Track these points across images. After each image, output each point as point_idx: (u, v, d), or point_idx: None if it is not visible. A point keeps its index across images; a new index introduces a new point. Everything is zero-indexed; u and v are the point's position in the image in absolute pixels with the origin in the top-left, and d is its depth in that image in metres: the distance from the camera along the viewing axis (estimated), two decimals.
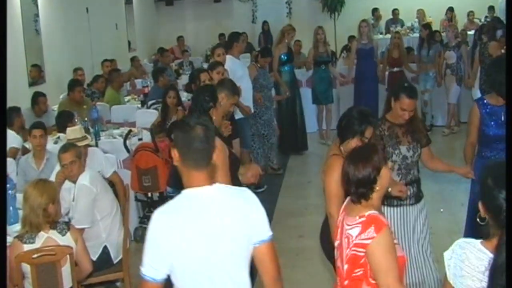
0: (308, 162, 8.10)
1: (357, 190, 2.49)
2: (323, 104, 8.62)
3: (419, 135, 3.73)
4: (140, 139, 5.99)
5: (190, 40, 14.84)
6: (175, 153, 2.15)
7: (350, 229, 2.47)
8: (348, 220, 2.51)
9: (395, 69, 8.81)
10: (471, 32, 10.88)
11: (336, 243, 2.60)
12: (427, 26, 9.35)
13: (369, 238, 2.38)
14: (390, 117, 3.69)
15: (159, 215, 2.10)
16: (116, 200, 4.34)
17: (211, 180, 2.14)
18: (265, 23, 14.10)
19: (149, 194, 5.56)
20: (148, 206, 5.59)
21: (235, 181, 3.32)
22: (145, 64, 12.18)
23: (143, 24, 13.87)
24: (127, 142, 5.85)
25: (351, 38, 10.77)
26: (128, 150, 5.76)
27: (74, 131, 4.74)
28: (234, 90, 4.14)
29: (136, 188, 5.49)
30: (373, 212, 2.46)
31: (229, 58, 6.40)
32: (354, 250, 2.43)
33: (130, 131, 6.09)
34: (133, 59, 11.14)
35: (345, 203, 2.66)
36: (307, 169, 7.76)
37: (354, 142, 3.10)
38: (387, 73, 8.88)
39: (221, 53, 6.21)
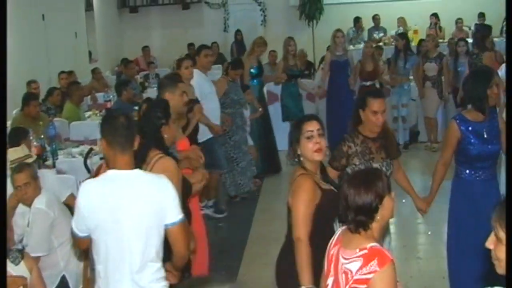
0: (283, 184, 8.09)
1: (356, 217, 2.43)
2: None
3: (391, 149, 3.78)
4: (102, 158, 5.91)
5: (156, 50, 14.85)
6: (102, 143, 2.78)
7: (349, 263, 2.40)
8: (346, 253, 2.44)
9: (368, 83, 8.85)
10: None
11: (330, 280, 2.51)
12: (403, 35, 9.47)
13: (371, 272, 2.32)
14: (362, 130, 3.70)
15: (85, 186, 2.83)
16: None
17: (133, 165, 2.78)
18: (238, 32, 14.20)
19: None
20: None
21: (185, 209, 3.29)
22: (107, 77, 12.12)
23: (105, 32, 13.84)
24: (88, 161, 5.81)
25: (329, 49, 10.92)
26: (88, 170, 5.71)
27: (16, 151, 4.63)
28: (177, 81, 4.31)
29: None
30: (375, 244, 2.40)
31: (196, 72, 6.37)
32: (354, 287, 2.36)
33: (91, 149, 6.05)
34: (94, 71, 11.09)
35: (338, 234, 2.59)
36: (282, 191, 7.68)
37: (304, 150, 3.10)
38: (357, 86, 8.93)
39: (188, 65, 6.07)
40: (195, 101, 5.81)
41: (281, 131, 8.94)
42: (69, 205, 4.60)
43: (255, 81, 8.00)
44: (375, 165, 3.62)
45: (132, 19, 15.20)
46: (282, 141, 8.82)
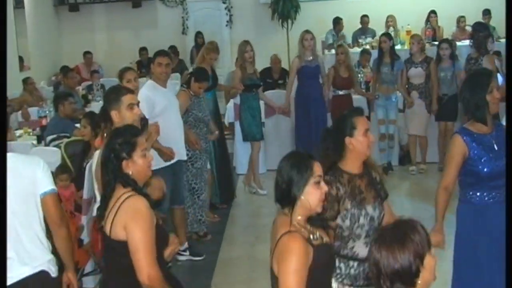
0: (243, 216, 8.14)
1: (393, 286, 2.31)
2: (257, 140, 8.59)
3: (379, 187, 3.71)
4: None
5: (101, 56, 14.76)
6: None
7: None
8: None
9: (342, 92, 8.97)
10: (462, 43, 11.23)
11: None
12: (388, 35, 9.56)
13: None
14: (344, 166, 3.60)
15: None
16: None
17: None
18: (198, 34, 14.19)
19: None
20: None
21: (162, 262, 3.33)
22: (42, 88, 11.95)
23: (39, 35, 13.66)
24: None
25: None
26: None
27: None
28: (120, 94, 4.26)
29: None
30: None
31: (148, 85, 6.25)
32: None
33: None
34: (25, 81, 10.93)
35: None
36: (235, 232, 7.65)
37: (309, 199, 2.97)
38: (330, 96, 9.06)
39: (131, 78, 5.86)
40: (143, 120, 5.65)
41: (242, 152, 9.15)
42: None
43: (208, 94, 7.79)
44: (368, 207, 3.58)
45: (72, 19, 15.05)
46: (241, 164, 9.17)
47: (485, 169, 3.98)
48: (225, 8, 15.10)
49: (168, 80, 6.55)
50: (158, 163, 5.90)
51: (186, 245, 6.67)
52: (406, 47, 11.50)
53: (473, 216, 4.08)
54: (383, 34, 9.69)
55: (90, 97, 10.97)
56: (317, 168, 3.00)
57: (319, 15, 14.32)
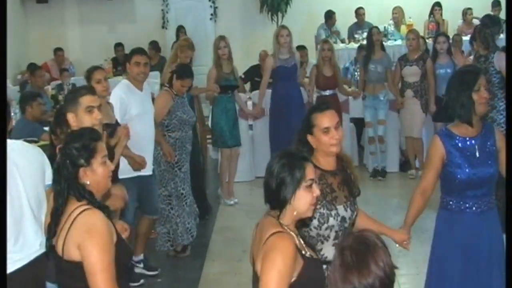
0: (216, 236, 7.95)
1: None
2: (229, 147, 8.52)
3: (353, 185, 3.76)
4: None
5: (73, 53, 14.68)
6: None
7: None
8: None
9: (327, 93, 8.94)
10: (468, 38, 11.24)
11: None
12: (376, 29, 9.57)
13: None
14: (315, 161, 3.62)
15: None
16: None
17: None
18: (180, 28, 14.10)
19: None
20: None
21: (124, 284, 3.29)
22: (7, 88, 11.81)
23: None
24: None
25: (299, 48, 10.89)
26: None
27: None
28: (79, 94, 4.17)
29: None
30: None
31: (122, 85, 6.16)
32: None
33: None
34: None
35: None
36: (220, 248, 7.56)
37: (300, 203, 2.99)
38: (315, 97, 9.08)
39: (101, 78, 5.71)
40: (114, 125, 5.56)
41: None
42: None
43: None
44: (339, 207, 3.61)
45: (41, 11, 14.95)
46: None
47: (461, 176, 4.03)
48: (209, 0, 15.06)
49: (145, 81, 6.44)
50: (127, 172, 5.91)
51: (141, 256, 6.63)
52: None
53: (449, 223, 4.15)
54: (374, 27, 9.75)
55: (60, 97, 10.87)
56: (310, 171, 3.04)
57: (311, 8, 14.34)
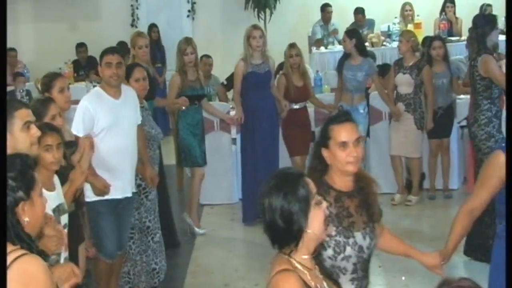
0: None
1: None
2: (199, 166, 8.39)
3: (373, 208, 3.74)
4: None
5: (27, 54, 14.69)
6: None
7: None
8: None
9: (297, 106, 8.91)
10: None
11: None
12: (354, 32, 9.50)
13: None
14: (331, 181, 3.65)
15: None
16: None
17: None
18: (152, 27, 14.17)
19: None
20: None
21: None
22: None
23: None
24: None
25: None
26: None
27: None
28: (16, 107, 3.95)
29: None
30: None
31: (92, 94, 6.16)
32: None
33: None
34: None
35: None
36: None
37: (316, 225, 2.98)
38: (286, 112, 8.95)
39: (65, 87, 5.67)
40: (74, 143, 5.53)
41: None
42: None
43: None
44: (357, 234, 3.61)
45: None
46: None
47: None
48: None
49: (121, 85, 6.22)
50: (90, 193, 5.88)
51: None
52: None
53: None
54: (347, 32, 9.64)
55: None
56: (312, 185, 3.01)
57: (304, 4, 14.41)
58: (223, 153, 9.25)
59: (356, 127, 3.73)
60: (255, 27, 8.61)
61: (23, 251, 2.91)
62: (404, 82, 8.87)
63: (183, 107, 8.11)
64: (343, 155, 3.60)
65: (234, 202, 9.19)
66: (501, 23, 9.87)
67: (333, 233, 3.56)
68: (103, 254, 6.06)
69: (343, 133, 3.62)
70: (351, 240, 3.60)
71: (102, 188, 5.88)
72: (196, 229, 8.50)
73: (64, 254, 4.16)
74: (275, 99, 8.74)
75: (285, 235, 2.96)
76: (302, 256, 2.96)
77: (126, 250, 6.53)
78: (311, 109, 9.40)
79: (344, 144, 3.60)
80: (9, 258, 2.86)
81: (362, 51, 9.15)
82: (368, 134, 9.49)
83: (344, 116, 3.75)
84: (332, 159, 3.64)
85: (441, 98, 8.97)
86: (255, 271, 7.39)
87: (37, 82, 5.64)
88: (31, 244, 2.99)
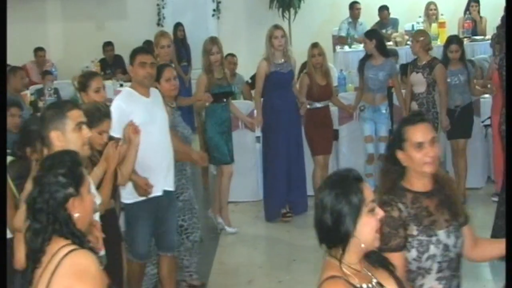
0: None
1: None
2: (227, 164, 8.39)
3: (456, 207, 3.68)
4: None
5: (56, 53, 14.80)
6: None
7: None
8: None
9: (320, 105, 8.90)
10: None
11: None
12: (374, 33, 9.54)
13: None
14: (407, 184, 3.65)
15: None
16: None
17: None
18: (178, 26, 14.20)
19: None
20: None
21: None
22: None
23: None
24: None
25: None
26: None
27: None
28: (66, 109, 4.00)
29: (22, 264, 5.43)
30: None
31: (124, 94, 6.07)
32: None
33: None
34: None
35: None
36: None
37: (365, 232, 2.96)
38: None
39: (101, 87, 5.68)
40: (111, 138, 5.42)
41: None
42: None
43: None
44: (440, 232, 3.58)
45: (18, 6, 14.99)
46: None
47: None
48: None
49: (150, 85, 6.21)
50: (131, 195, 5.83)
51: None
52: (438, 42, 11.56)
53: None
54: (367, 32, 9.67)
55: (40, 104, 10.90)
56: (368, 192, 2.99)
57: (329, 2, 14.40)
58: (247, 151, 9.24)
59: (430, 127, 3.69)
60: (276, 27, 8.62)
61: (74, 246, 2.98)
62: (417, 82, 8.81)
63: (207, 103, 8.10)
64: (420, 156, 3.57)
65: (258, 200, 9.20)
66: None
67: (415, 232, 3.55)
68: (134, 255, 6.01)
69: (418, 133, 3.60)
70: (434, 239, 3.56)
71: (145, 187, 5.82)
72: (227, 228, 8.52)
73: (102, 253, 4.15)
74: (296, 98, 8.75)
75: (332, 235, 2.96)
76: (350, 262, 2.95)
77: (172, 252, 6.39)
78: (335, 108, 9.39)
79: (420, 145, 3.58)
80: (62, 252, 2.95)
81: (383, 51, 9.10)
82: (391, 133, 9.46)
83: (418, 117, 3.73)
84: (409, 161, 3.62)
85: (459, 96, 8.89)
86: (279, 268, 7.43)
87: (74, 79, 5.63)
88: (82, 240, 3.05)
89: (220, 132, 8.21)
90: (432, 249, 3.56)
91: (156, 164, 5.98)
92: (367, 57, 9.15)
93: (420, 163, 3.59)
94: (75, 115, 4.05)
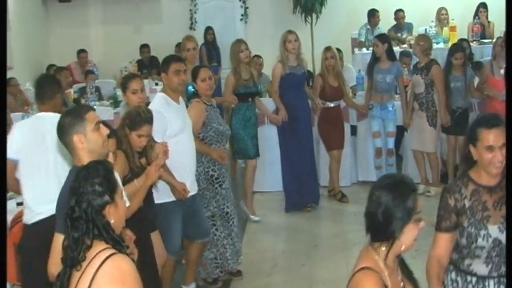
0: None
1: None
2: (251, 158, 8.41)
3: None
4: (20, 204, 5.87)
5: (97, 54, 14.88)
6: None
7: None
8: None
9: (332, 104, 8.92)
10: None
11: None
12: (384, 37, 9.49)
13: None
14: (474, 175, 3.65)
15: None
16: None
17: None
18: (209, 29, 14.24)
19: None
20: None
21: None
22: (27, 90, 12.01)
23: (24, 29, 13.78)
24: None
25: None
26: None
27: None
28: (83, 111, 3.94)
29: (14, 278, 5.45)
30: None
31: (159, 99, 5.92)
32: None
33: None
34: (8, 83, 10.98)
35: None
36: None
37: (408, 237, 3.01)
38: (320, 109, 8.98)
39: (139, 88, 5.60)
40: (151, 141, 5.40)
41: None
42: None
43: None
44: (492, 227, 3.58)
45: (63, 11, 15.17)
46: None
47: None
48: (240, 0, 15.19)
49: (183, 91, 6.25)
50: (168, 195, 5.82)
51: (193, 285, 6.47)
52: (450, 45, 11.51)
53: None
54: (376, 36, 9.64)
55: (83, 101, 10.99)
56: (420, 203, 3.02)
57: (348, 8, 14.39)
58: (272, 144, 9.21)
59: (503, 131, 3.61)
60: (290, 32, 8.58)
61: (114, 250, 2.95)
62: (417, 82, 8.86)
63: (233, 105, 8.11)
64: (489, 158, 3.56)
65: (281, 190, 9.19)
66: None
67: (465, 224, 3.58)
68: (171, 251, 5.94)
69: (491, 137, 3.57)
70: (482, 232, 3.57)
71: (182, 192, 5.82)
72: (251, 216, 8.57)
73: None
74: (309, 98, 8.79)
75: (379, 230, 2.99)
76: (388, 260, 3.00)
77: (208, 237, 6.42)
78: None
79: (490, 148, 3.56)
80: (101, 257, 2.91)
81: (391, 55, 9.11)
82: (405, 129, 9.50)
83: (494, 120, 3.66)
84: (479, 158, 3.62)
85: (461, 99, 8.96)
86: (301, 254, 7.45)
87: (119, 80, 5.64)
88: (122, 244, 3.02)
89: (245, 129, 8.20)
90: (480, 242, 3.58)
91: (187, 168, 6.00)
92: (374, 61, 9.13)
93: (487, 164, 3.59)
94: (93, 117, 3.95)
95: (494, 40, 11.57)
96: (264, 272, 7.11)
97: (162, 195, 5.75)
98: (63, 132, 3.91)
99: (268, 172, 9.34)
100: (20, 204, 5.91)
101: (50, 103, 5.36)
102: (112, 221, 3.05)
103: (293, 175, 8.70)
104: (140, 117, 4.99)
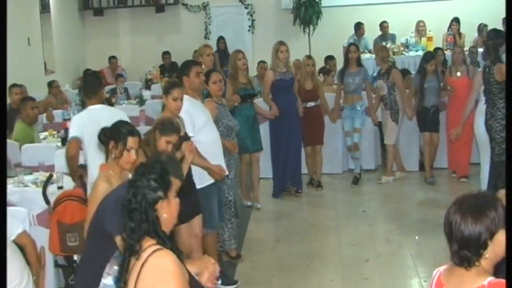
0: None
1: (460, 251, 2.44)
2: (250, 152, 8.28)
3: None
4: (60, 187, 5.91)
5: (125, 60, 14.93)
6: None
7: None
8: None
9: (310, 104, 8.88)
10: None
11: None
12: (353, 47, 9.36)
13: None
14: None
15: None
16: (28, 267, 4.27)
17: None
18: (220, 39, 14.27)
19: (75, 257, 5.53)
20: (73, 273, 5.44)
21: None
22: (67, 91, 12.07)
23: (64, 39, 13.83)
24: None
25: (328, 59, 10.95)
26: (47, 201, 5.69)
27: None
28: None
29: (57, 250, 5.49)
30: (493, 279, 2.40)
31: (186, 100, 5.68)
32: None
33: (50, 176, 6.02)
34: (51, 84, 11.03)
35: (443, 270, 2.59)
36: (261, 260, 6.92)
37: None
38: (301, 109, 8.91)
39: (179, 97, 5.41)
40: (185, 137, 5.32)
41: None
42: (22, 245, 4.54)
43: None
44: None
45: (97, 23, 15.21)
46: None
47: None
48: (247, 13, 15.18)
49: (202, 91, 6.37)
50: (203, 180, 5.75)
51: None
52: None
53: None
54: (351, 44, 9.58)
55: (113, 100, 11.01)
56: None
57: (340, 20, 14.38)
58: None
59: None
60: (282, 43, 8.56)
61: (158, 246, 2.83)
62: (381, 86, 8.90)
63: (236, 103, 7.98)
64: None
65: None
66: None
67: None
68: (212, 227, 5.95)
69: None
70: None
71: (220, 172, 5.79)
72: (245, 201, 8.46)
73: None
74: (297, 100, 8.74)
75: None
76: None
77: (216, 229, 6.25)
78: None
79: None
80: (148, 251, 2.81)
81: (359, 62, 9.13)
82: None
83: None
84: None
85: (433, 98, 8.93)
86: (301, 232, 7.43)
87: (162, 82, 5.58)
88: (165, 240, 2.87)
89: (244, 126, 7.99)
90: None
91: (218, 153, 5.98)
92: (345, 67, 9.09)
93: None
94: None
95: (465, 48, 11.60)
96: (268, 246, 7.12)
97: (201, 180, 5.70)
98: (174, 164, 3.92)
99: (270, 162, 9.20)
100: (60, 187, 5.98)
101: (95, 97, 5.90)
102: (164, 216, 2.91)
103: (281, 165, 8.66)
104: (172, 125, 4.89)
